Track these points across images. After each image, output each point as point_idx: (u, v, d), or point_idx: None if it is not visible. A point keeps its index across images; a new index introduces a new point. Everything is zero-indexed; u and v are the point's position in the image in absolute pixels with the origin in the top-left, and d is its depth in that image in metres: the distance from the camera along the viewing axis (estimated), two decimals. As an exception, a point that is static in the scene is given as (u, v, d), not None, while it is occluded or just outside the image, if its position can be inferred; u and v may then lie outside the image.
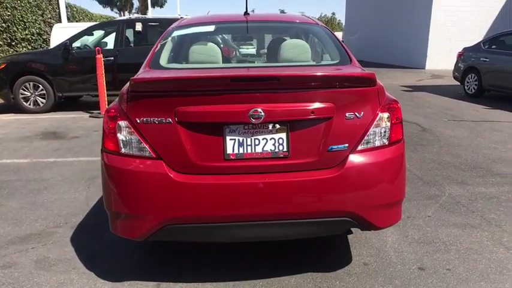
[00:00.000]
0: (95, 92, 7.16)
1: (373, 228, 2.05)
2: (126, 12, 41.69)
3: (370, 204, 1.97)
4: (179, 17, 7.86)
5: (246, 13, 2.97)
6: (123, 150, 1.95)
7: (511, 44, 8.27)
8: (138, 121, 1.91)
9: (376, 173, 1.97)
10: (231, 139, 1.90)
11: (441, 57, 15.46)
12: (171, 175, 1.88)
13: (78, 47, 7.58)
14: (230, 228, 1.94)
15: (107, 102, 6.86)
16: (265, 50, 2.51)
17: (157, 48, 2.50)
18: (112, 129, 1.97)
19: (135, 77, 1.98)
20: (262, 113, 1.84)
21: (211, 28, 2.91)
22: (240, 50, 2.77)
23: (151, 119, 1.90)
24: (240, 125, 1.89)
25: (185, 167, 1.90)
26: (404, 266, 2.34)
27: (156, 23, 7.92)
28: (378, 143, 1.99)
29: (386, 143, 2.01)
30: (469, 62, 8.97)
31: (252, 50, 2.76)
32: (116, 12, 42.22)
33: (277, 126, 1.90)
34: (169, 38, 2.65)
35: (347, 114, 1.93)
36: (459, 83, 9.32)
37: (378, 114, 1.97)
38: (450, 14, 15.47)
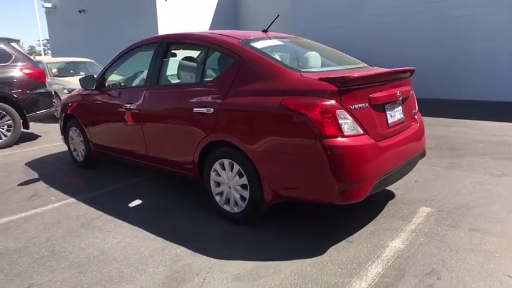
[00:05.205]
0: None
1: (424, 156, 3.49)
2: None
3: (424, 142, 3.42)
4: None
5: (265, 31, 3.60)
6: (345, 132, 2.48)
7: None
8: (352, 108, 2.52)
9: (423, 125, 3.44)
10: (388, 113, 2.85)
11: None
12: (377, 143, 2.63)
13: None
14: (399, 171, 2.89)
15: None
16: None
17: (265, 57, 2.86)
18: (331, 118, 2.45)
19: (345, 75, 2.50)
20: (401, 94, 2.92)
21: (279, 42, 3.39)
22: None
23: (358, 105, 2.57)
24: (390, 103, 2.87)
25: (375, 136, 2.69)
26: (410, 181, 3.92)
27: None
28: (417, 108, 3.46)
29: (417, 108, 3.52)
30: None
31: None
32: None
33: (400, 102, 3.01)
34: (257, 49, 3.00)
35: (411, 92, 3.29)
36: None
37: (412, 90, 3.44)
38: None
